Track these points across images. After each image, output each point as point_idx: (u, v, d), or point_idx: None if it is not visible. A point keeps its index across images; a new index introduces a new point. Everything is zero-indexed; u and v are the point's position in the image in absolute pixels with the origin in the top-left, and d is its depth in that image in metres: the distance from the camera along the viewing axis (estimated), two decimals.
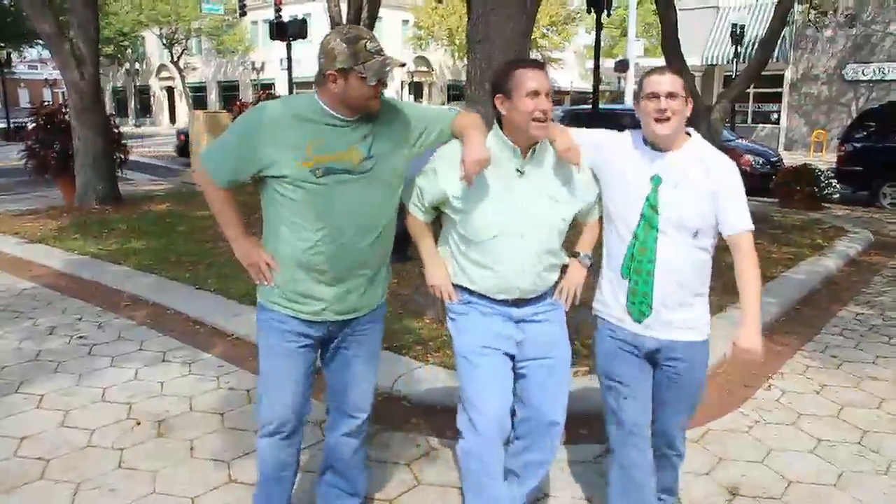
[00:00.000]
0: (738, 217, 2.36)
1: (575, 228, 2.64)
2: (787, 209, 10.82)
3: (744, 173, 9.82)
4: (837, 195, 11.16)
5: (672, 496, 2.79)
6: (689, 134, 2.44)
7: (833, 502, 3.07)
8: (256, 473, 2.65)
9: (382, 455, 3.41)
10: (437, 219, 2.62)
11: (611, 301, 2.53)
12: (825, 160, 17.94)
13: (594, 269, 2.68)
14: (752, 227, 2.37)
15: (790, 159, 16.74)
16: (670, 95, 2.31)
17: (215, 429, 3.68)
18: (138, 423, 3.75)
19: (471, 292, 2.53)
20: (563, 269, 2.63)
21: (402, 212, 2.58)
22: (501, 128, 2.45)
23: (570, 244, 2.64)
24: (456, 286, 2.56)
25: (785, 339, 5.13)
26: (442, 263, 2.59)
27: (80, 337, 5.12)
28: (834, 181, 11.05)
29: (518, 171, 2.42)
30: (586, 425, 3.60)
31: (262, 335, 2.51)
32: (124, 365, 4.57)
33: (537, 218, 2.43)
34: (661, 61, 13.61)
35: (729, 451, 3.49)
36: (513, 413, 2.60)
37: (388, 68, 2.23)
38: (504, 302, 2.50)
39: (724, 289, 5.57)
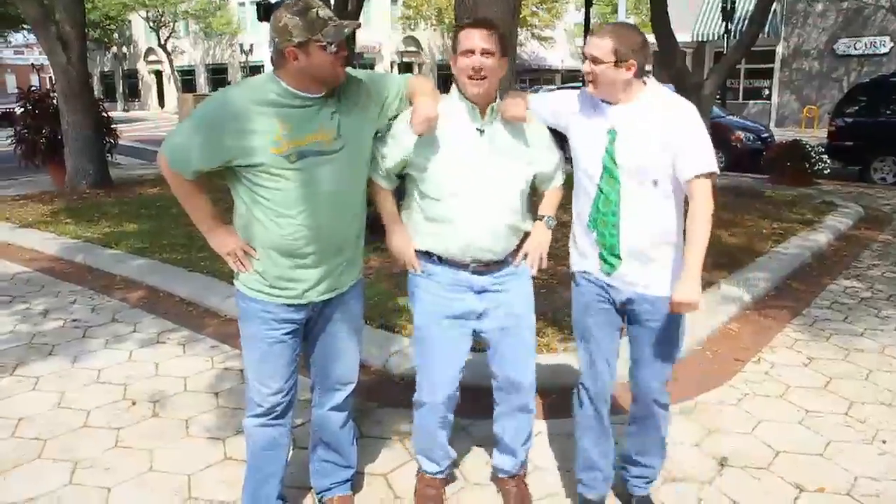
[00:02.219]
0: (692, 161, 2.29)
1: (536, 194, 2.68)
2: (778, 185, 10.86)
3: (735, 149, 9.90)
4: (828, 170, 11.19)
5: (657, 463, 2.77)
6: (644, 83, 2.41)
7: (820, 471, 3.13)
8: (246, 455, 2.65)
9: (376, 431, 3.45)
10: (399, 190, 2.64)
11: (582, 254, 2.57)
12: (816, 136, 17.95)
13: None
14: (709, 169, 2.29)
15: (781, 135, 16.76)
16: (593, 60, 2.32)
17: (210, 408, 3.71)
18: (133, 404, 3.77)
19: (430, 257, 2.54)
20: (527, 236, 2.64)
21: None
22: (458, 87, 2.46)
23: (534, 210, 2.67)
24: (418, 253, 2.57)
25: (775, 313, 5.18)
26: (404, 230, 2.59)
27: (74, 320, 5.13)
28: (825, 156, 11.08)
29: (478, 129, 2.44)
30: (542, 398, 3.65)
31: (244, 324, 2.48)
32: (118, 346, 4.59)
33: (497, 176, 2.44)
34: (650, 38, 13.58)
35: (718, 422, 3.55)
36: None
37: (345, 30, 2.18)
38: (465, 267, 2.51)
39: (713, 264, 5.65)
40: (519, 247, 2.60)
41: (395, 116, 2.50)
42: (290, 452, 2.73)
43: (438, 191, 2.44)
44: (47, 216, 8.82)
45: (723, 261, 5.97)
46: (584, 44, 2.44)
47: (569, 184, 2.65)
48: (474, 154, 2.42)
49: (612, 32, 2.34)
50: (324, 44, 2.15)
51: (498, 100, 2.47)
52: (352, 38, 12.37)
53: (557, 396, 3.63)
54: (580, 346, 2.66)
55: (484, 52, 2.33)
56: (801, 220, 8.14)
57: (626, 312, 2.56)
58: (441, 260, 2.53)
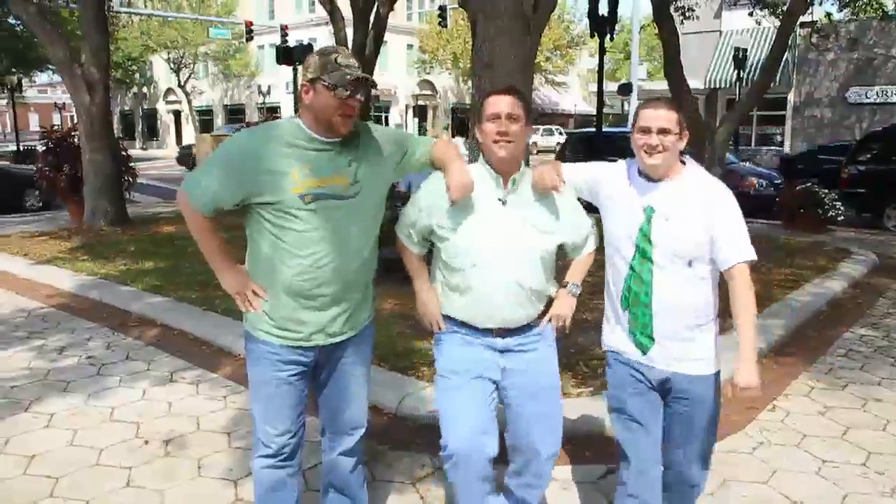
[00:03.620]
0: (732, 250, 2.30)
1: (567, 260, 2.67)
2: (792, 231, 10.84)
3: (747, 195, 9.91)
4: (842, 217, 11.17)
5: None
6: (683, 162, 2.43)
7: None
8: (254, 497, 2.62)
9: (388, 474, 3.43)
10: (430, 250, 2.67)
11: (615, 333, 2.54)
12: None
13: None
14: (749, 257, 2.31)
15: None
16: (662, 131, 2.31)
17: (222, 448, 3.71)
18: (146, 443, 3.78)
19: (455, 321, 2.56)
20: (552, 301, 2.63)
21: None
22: (483, 156, 2.50)
23: (560, 275, 2.66)
24: (444, 316, 2.59)
25: (790, 360, 5.14)
26: (433, 294, 2.61)
27: (90, 357, 5.16)
28: (838, 203, 11.08)
29: (500, 200, 2.46)
30: (590, 446, 3.62)
31: (252, 364, 2.49)
32: (133, 384, 4.61)
33: (518, 248, 2.44)
34: (663, 84, 13.73)
35: (734, 471, 3.50)
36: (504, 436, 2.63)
37: (349, 77, 2.23)
38: (488, 332, 2.52)
39: (727, 310, 5.62)
40: (546, 310, 2.61)
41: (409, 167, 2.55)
42: (301, 493, 2.72)
43: (459, 261, 2.46)
44: (65, 253, 8.93)
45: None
46: (636, 116, 2.41)
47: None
48: (495, 225, 2.44)
49: (671, 105, 2.39)
50: (328, 85, 2.22)
51: (522, 168, 2.50)
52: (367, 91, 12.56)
53: (574, 444, 3.60)
54: (619, 430, 2.58)
55: (510, 117, 2.39)
56: (815, 267, 8.10)
57: (663, 392, 2.50)
58: (465, 325, 2.54)
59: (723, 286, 2.44)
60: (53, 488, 3.30)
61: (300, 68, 2.33)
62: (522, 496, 2.72)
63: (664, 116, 2.33)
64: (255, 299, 2.40)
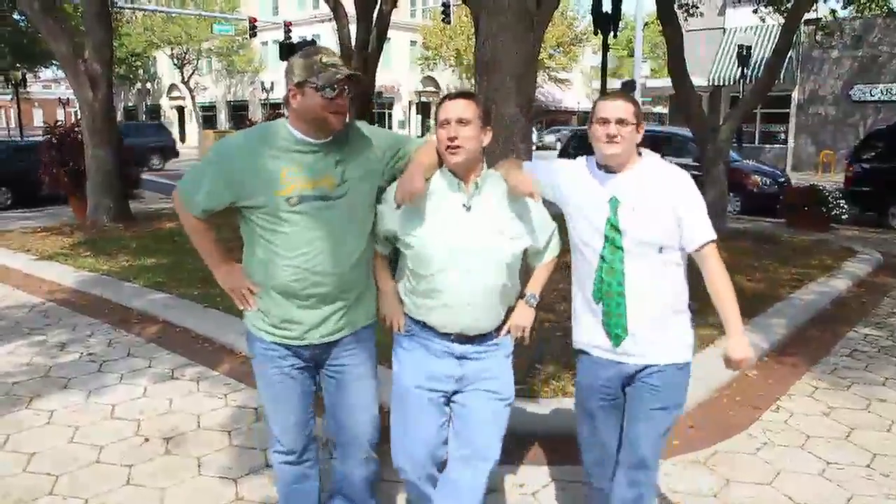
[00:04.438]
0: (698, 230, 2.36)
1: (526, 265, 2.63)
2: (796, 230, 10.80)
3: (751, 194, 9.87)
4: (846, 216, 11.13)
5: None
6: (640, 154, 2.45)
7: None
8: (277, 492, 2.68)
9: (389, 473, 3.40)
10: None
11: (587, 328, 2.52)
12: (833, 181, 17.91)
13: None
14: (713, 236, 2.37)
15: (797, 180, 16.73)
16: (620, 122, 2.34)
17: (223, 446, 3.70)
18: (147, 440, 3.77)
19: (416, 322, 2.53)
20: (510, 312, 2.60)
21: None
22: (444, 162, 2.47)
23: (524, 280, 2.63)
24: (407, 317, 2.56)
25: (793, 360, 5.11)
26: (394, 296, 2.58)
27: (90, 353, 5.15)
28: (842, 202, 11.03)
29: (464, 205, 2.42)
30: (554, 447, 3.61)
31: (255, 362, 2.53)
32: (133, 382, 4.60)
33: (483, 253, 2.40)
34: (667, 82, 13.70)
35: (737, 473, 3.48)
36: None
37: (337, 76, 2.22)
38: (447, 336, 2.49)
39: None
40: (505, 319, 2.57)
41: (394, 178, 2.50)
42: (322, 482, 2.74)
43: (425, 267, 2.42)
44: (67, 248, 8.93)
45: (740, 307, 5.89)
46: (594, 109, 2.43)
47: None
48: (460, 231, 2.39)
49: (627, 97, 2.44)
50: (316, 86, 2.20)
51: (484, 171, 2.46)
52: (369, 82, 12.56)
53: (542, 443, 3.60)
54: (582, 430, 2.62)
55: (460, 122, 2.34)
56: (819, 266, 8.07)
57: (631, 380, 2.49)
58: (426, 326, 2.51)
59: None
60: (53, 486, 3.29)
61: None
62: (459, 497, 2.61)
63: (622, 107, 2.37)
64: (251, 296, 2.42)
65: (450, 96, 2.43)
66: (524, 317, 2.61)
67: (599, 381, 2.52)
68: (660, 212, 2.35)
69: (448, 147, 2.35)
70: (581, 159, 2.53)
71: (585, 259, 2.47)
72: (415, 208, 2.41)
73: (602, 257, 2.41)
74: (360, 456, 2.63)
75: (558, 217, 2.61)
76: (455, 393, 2.55)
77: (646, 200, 2.36)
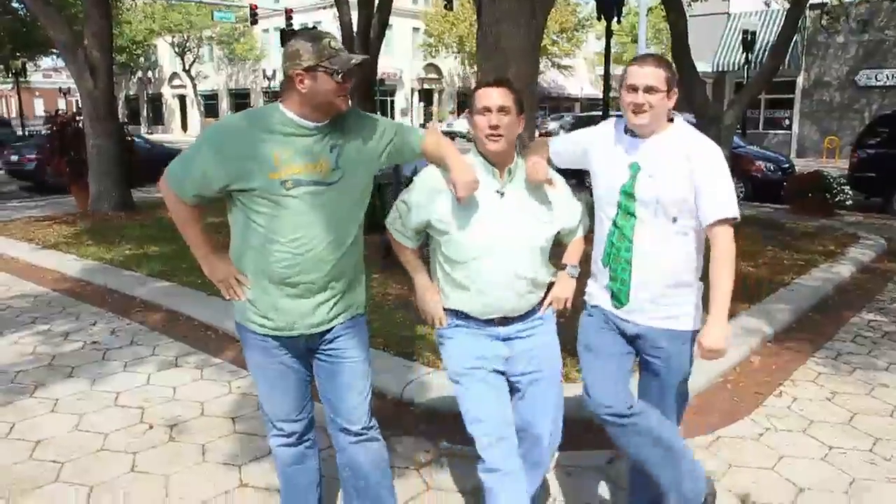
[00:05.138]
0: (715, 205, 2.27)
1: (561, 245, 2.66)
2: (800, 216, 10.77)
3: (755, 180, 9.82)
4: (850, 202, 11.09)
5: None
6: (671, 120, 2.41)
7: None
8: (277, 474, 2.68)
9: (392, 460, 3.41)
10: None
11: (595, 290, 2.56)
12: (837, 166, 17.85)
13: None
14: (731, 214, 2.27)
15: (802, 166, 16.67)
16: (649, 90, 2.28)
17: (226, 433, 3.71)
18: (151, 427, 3.78)
19: (457, 314, 2.54)
20: (551, 285, 2.62)
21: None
22: (477, 148, 2.48)
23: (557, 258, 2.65)
24: (445, 310, 2.56)
25: (797, 345, 5.11)
26: (434, 290, 2.58)
27: (94, 342, 5.17)
28: (846, 188, 10.99)
29: (498, 192, 2.44)
30: (591, 431, 3.59)
31: (246, 352, 2.51)
32: (137, 369, 4.62)
33: (519, 238, 2.44)
34: None
35: (740, 457, 3.49)
36: None
37: (353, 62, 2.22)
38: (490, 322, 2.51)
39: (734, 295, 5.58)
40: (545, 296, 2.60)
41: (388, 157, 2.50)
42: (321, 463, 2.73)
43: (460, 254, 2.44)
44: (70, 238, 8.94)
45: (743, 292, 5.91)
46: (624, 74, 2.37)
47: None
48: (495, 218, 2.42)
49: (660, 61, 2.33)
50: (331, 71, 2.19)
51: (517, 159, 2.48)
52: (371, 70, 12.52)
53: (580, 428, 3.59)
54: (583, 362, 2.57)
55: (501, 110, 2.36)
56: (823, 252, 8.05)
57: (635, 346, 2.52)
58: (467, 317, 2.52)
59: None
60: (59, 473, 3.31)
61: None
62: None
63: (651, 74, 2.29)
64: (240, 287, 2.38)
65: (489, 83, 2.44)
66: (566, 288, 2.64)
67: (601, 321, 2.54)
68: (678, 181, 2.30)
69: (489, 135, 2.36)
70: (610, 121, 2.50)
71: (602, 223, 2.49)
72: (449, 196, 2.42)
73: (614, 223, 2.41)
74: (357, 437, 2.55)
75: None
76: (506, 374, 2.55)
77: (666, 168, 2.31)
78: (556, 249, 2.66)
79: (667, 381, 2.50)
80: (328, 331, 2.44)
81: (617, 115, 2.53)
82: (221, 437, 3.66)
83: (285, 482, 2.66)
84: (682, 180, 2.30)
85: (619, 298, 2.45)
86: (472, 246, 2.42)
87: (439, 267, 2.55)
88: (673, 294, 2.41)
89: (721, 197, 2.28)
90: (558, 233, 2.58)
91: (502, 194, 2.44)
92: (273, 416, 2.54)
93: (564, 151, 2.63)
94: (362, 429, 2.54)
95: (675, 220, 2.34)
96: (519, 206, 2.45)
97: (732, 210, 2.28)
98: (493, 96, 2.37)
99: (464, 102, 44.27)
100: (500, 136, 2.37)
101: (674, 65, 2.38)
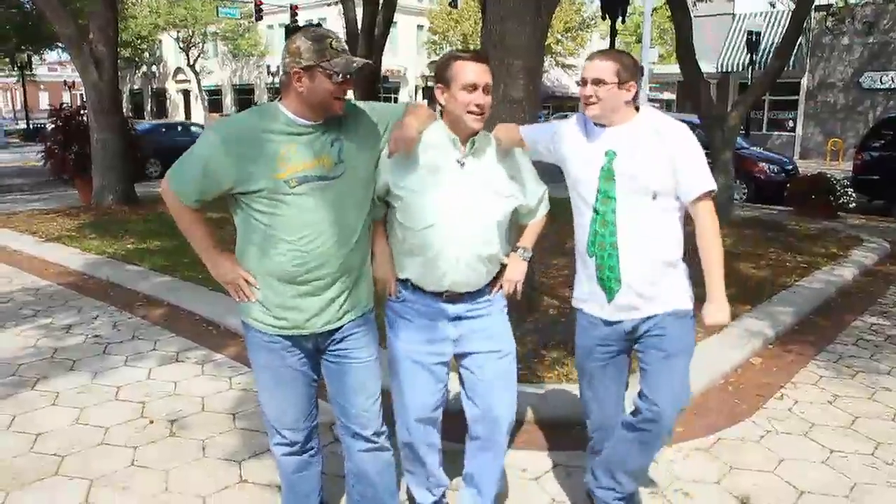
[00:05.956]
0: (694, 180, 2.34)
1: (518, 227, 2.67)
2: (803, 218, 10.75)
3: (758, 181, 9.81)
4: (853, 204, 11.07)
5: (633, 483, 2.69)
6: (637, 108, 2.45)
7: None
8: (280, 479, 2.68)
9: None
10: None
11: (582, 285, 2.54)
12: (841, 169, 17.81)
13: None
14: (710, 186, 2.34)
15: (805, 167, 16.63)
16: (596, 82, 2.34)
17: (227, 429, 3.71)
18: (151, 422, 3.78)
19: (406, 285, 2.53)
20: (503, 268, 2.61)
21: None
22: (443, 118, 2.47)
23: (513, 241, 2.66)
24: (397, 280, 2.56)
25: (798, 348, 5.10)
26: (387, 257, 2.57)
27: (96, 336, 5.17)
28: (850, 190, 10.96)
29: (459, 162, 2.43)
30: (558, 433, 3.61)
31: (252, 353, 2.46)
32: (138, 364, 4.62)
33: (475, 210, 2.42)
34: (675, 68, 13.59)
35: (740, 460, 3.48)
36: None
37: (354, 65, 2.20)
38: (438, 296, 2.49)
39: (736, 297, 5.58)
40: (497, 278, 2.59)
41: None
42: (324, 465, 2.73)
43: (415, 221, 2.42)
44: (73, 231, 8.96)
45: (746, 294, 5.91)
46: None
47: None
48: (453, 186, 2.41)
49: (611, 55, 2.40)
50: (330, 73, 2.17)
51: (482, 132, 2.46)
52: (376, 66, 12.51)
53: (582, 428, 3.58)
54: (582, 388, 2.64)
55: (486, 90, 2.36)
56: (826, 254, 8.03)
57: (633, 339, 2.53)
58: (416, 288, 2.51)
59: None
60: (59, 466, 3.31)
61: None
62: (483, 480, 2.69)
63: (598, 67, 2.36)
64: (248, 288, 2.35)
65: (472, 57, 2.39)
66: (517, 271, 2.63)
67: (595, 341, 2.54)
68: (655, 159, 2.34)
69: (472, 112, 2.35)
70: (576, 115, 2.54)
71: (582, 213, 2.49)
72: (408, 161, 2.41)
73: (595, 210, 2.41)
74: (369, 444, 2.52)
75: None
76: (457, 357, 2.57)
77: (640, 146, 2.36)
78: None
79: (671, 360, 2.47)
80: (337, 330, 2.41)
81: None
82: (222, 433, 3.66)
83: (287, 488, 2.65)
84: (657, 155, 2.35)
85: (610, 287, 2.44)
86: (427, 213, 2.39)
87: (393, 234, 2.53)
88: (663, 274, 2.42)
89: (699, 172, 2.35)
90: (516, 210, 2.55)
91: (462, 164, 2.43)
92: (276, 424, 2.49)
93: (533, 137, 2.62)
94: (374, 434, 2.52)
95: (655, 196, 2.36)
96: (480, 178, 2.43)
97: (711, 183, 2.36)
98: (478, 73, 2.35)
99: None
100: (482, 113, 2.37)
101: (632, 57, 2.41)
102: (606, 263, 2.42)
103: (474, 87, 2.34)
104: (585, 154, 2.45)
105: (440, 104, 2.45)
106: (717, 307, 2.37)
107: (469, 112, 2.36)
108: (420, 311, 2.52)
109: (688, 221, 2.47)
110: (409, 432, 2.63)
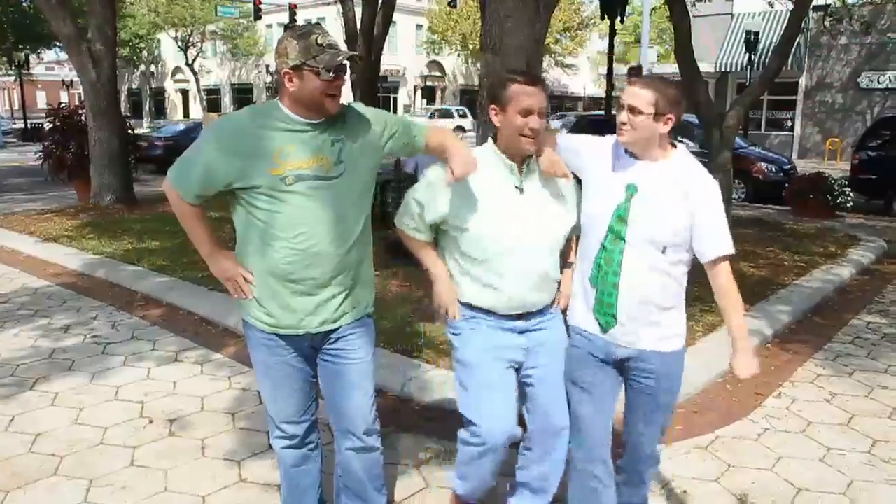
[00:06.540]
0: (713, 243, 2.27)
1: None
2: (801, 217, 10.77)
3: (757, 181, 9.84)
4: (851, 204, 11.09)
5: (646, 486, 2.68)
6: (674, 145, 2.36)
7: None
8: (280, 474, 2.68)
9: (391, 457, 3.42)
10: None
11: (580, 309, 2.49)
12: (839, 168, 17.83)
13: None
14: (729, 251, 2.29)
15: (804, 167, 16.65)
16: (631, 109, 2.24)
17: (226, 429, 3.72)
18: (150, 422, 3.79)
19: (474, 308, 2.52)
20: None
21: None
22: (496, 141, 2.46)
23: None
24: (462, 304, 2.55)
25: (796, 347, 5.11)
26: (449, 281, 2.55)
27: (95, 336, 5.17)
28: (848, 189, 10.98)
29: (517, 188, 2.43)
30: None
31: (252, 351, 2.49)
32: (137, 364, 4.62)
33: (540, 234, 2.44)
34: (674, 67, 13.59)
35: (738, 458, 3.49)
36: (522, 424, 2.60)
37: (339, 59, 2.18)
38: (509, 317, 2.51)
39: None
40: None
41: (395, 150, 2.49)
42: (324, 462, 2.73)
43: (481, 251, 2.42)
44: (71, 231, 8.94)
45: (744, 293, 5.88)
46: (620, 90, 2.41)
47: None
48: (516, 214, 2.41)
49: (653, 84, 2.26)
50: (317, 70, 2.16)
51: (534, 157, 2.46)
52: (375, 66, 12.49)
53: None
54: (572, 399, 2.55)
55: (541, 114, 2.35)
56: (824, 254, 8.05)
57: (623, 370, 2.48)
58: (489, 311, 2.51)
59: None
60: (58, 466, 3.31)
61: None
62: (541, 488, 2.69)
63: (636, 94, 2.24)
64: (247, 285, 2.36)
65: (528, 80, 2.37)
66: (570, 286, 2.63)
67: (589, 355, 2.49)
68: (674, 212, 2.26)
69: (526, 136, 2.35)
70: (610, 138, 2.44)
71: (589, 241, 2.43)
72: (466, 191, 2.40)
73: (603, 245, 2.35)
74: (358, 444, 2.54)
75: None
76: (523, 366, 2.55)
77: (663, 197, 2.27)
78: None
79: (657, 398, 2.45)
80: (334, 330, 2.42)
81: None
82: (221, 433, 3.67)
83: (287, 482, 2.66)
84: (676, 208, 2.27)
85: (606, 321, 2.39)
86: (494, 243, 2.40)
87: (454, 263, 2.53)
88: (660, 320, 2.37)
89: (719, 234, 2.28)
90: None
91: (522, 190, 2.43)
92: (276, 418, 2.52)
93: (568, 148, 2.55)
94: (365, 433, 2.53)
95: (664, 251, 2.30)
96: (538, 203, 2.45)
97: (730, 247, 2.31)
98: (536, 98, 2.33)
99: (466, 100, 44.18)
100: (536, 137, 2.36)
101: (676, 87, 2.29)
102: (605, 300, 2.38)
103: (529, 112, 2.33)
104: (607, 181, 2.37)
105: (494, 125, 2.44)
106: (747, 360, 2.34)
107: (523, 135, 2.35)
108: (490, 324, 2.53)
109: None
110: (493, 431, 2.45)
